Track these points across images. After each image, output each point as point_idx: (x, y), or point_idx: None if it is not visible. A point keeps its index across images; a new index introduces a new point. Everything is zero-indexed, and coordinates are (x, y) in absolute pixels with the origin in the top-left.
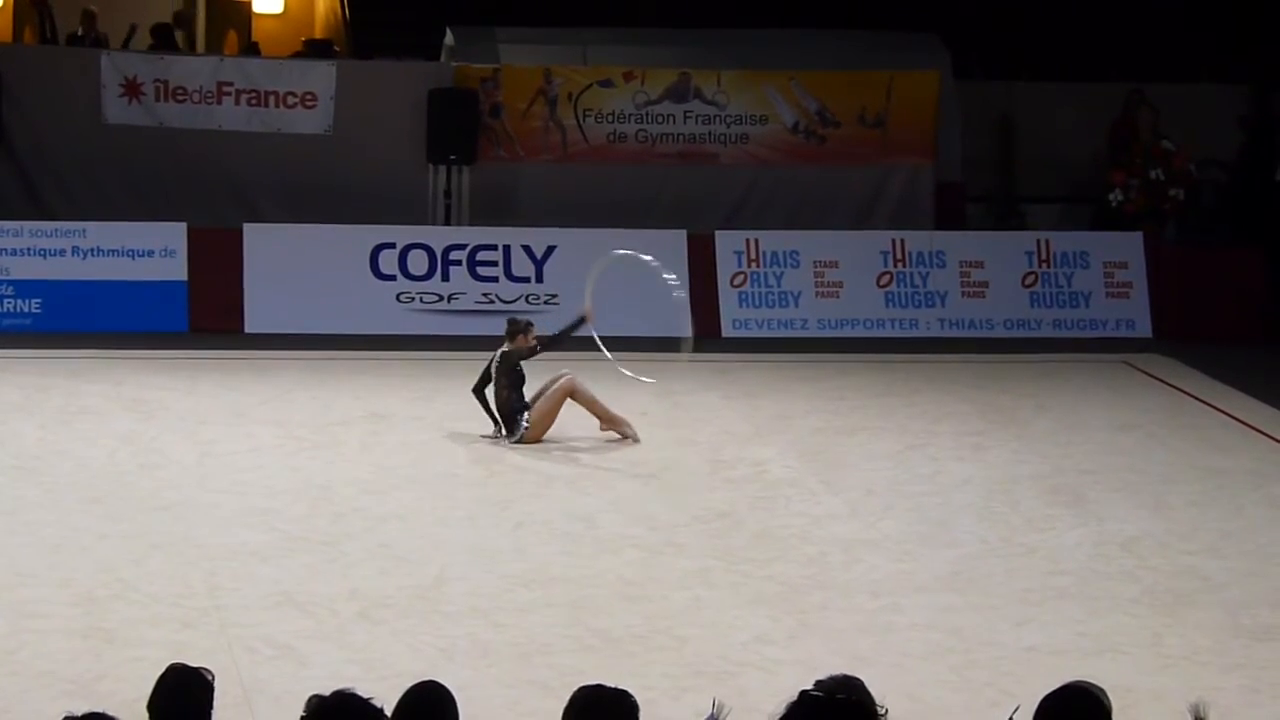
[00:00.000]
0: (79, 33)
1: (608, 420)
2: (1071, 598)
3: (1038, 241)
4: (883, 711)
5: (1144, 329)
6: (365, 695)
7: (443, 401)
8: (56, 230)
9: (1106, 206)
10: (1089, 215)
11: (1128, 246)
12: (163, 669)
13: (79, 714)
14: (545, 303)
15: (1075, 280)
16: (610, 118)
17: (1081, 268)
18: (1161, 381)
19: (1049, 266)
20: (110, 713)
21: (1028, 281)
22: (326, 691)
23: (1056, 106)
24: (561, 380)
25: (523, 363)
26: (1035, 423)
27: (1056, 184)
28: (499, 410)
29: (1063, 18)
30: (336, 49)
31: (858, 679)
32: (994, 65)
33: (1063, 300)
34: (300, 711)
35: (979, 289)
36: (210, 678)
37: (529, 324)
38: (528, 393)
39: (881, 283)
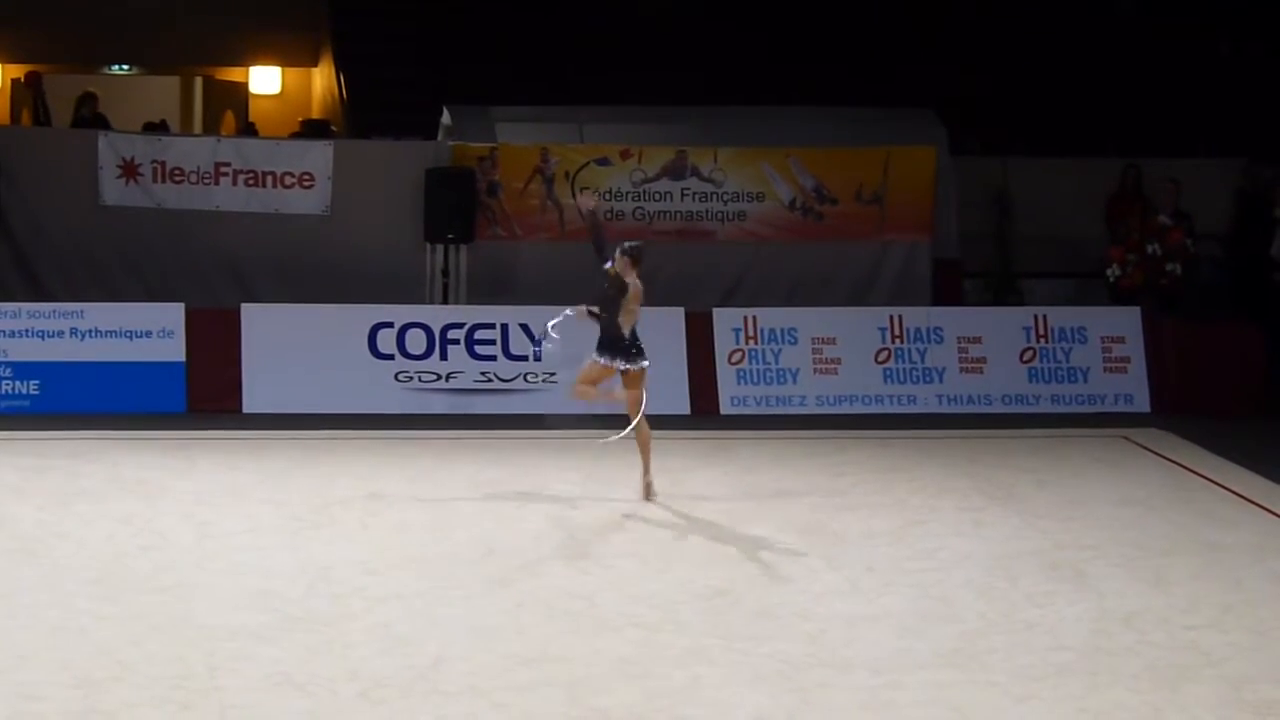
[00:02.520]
0: (83, 113)
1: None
2: (1073, 673)
3: (1035, 317)
4: None
5: (1143, 404)
6: None
7: (441, 480)
8: (54, 311)
9: (1104, 282)
10: (1086, 290)
11: (1126, 321)
12: None
13: None
14: (544, 381)
15: (1073, 355)
16: (607, 195)
17: (1079, 343)
18: (1161, 456)
19: (1047, 341)
20: None
21: (1026, 357)
22: None
23: (1053, 181)
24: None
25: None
26: (1035, 498)
27: (1054, 259)
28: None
29: (1058, 93)
30: (334, 129)
31: None
32: (990, 141)
33: (1061, 375)
34: None
35: (977, 364)
36: None
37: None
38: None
39: (880, 359)
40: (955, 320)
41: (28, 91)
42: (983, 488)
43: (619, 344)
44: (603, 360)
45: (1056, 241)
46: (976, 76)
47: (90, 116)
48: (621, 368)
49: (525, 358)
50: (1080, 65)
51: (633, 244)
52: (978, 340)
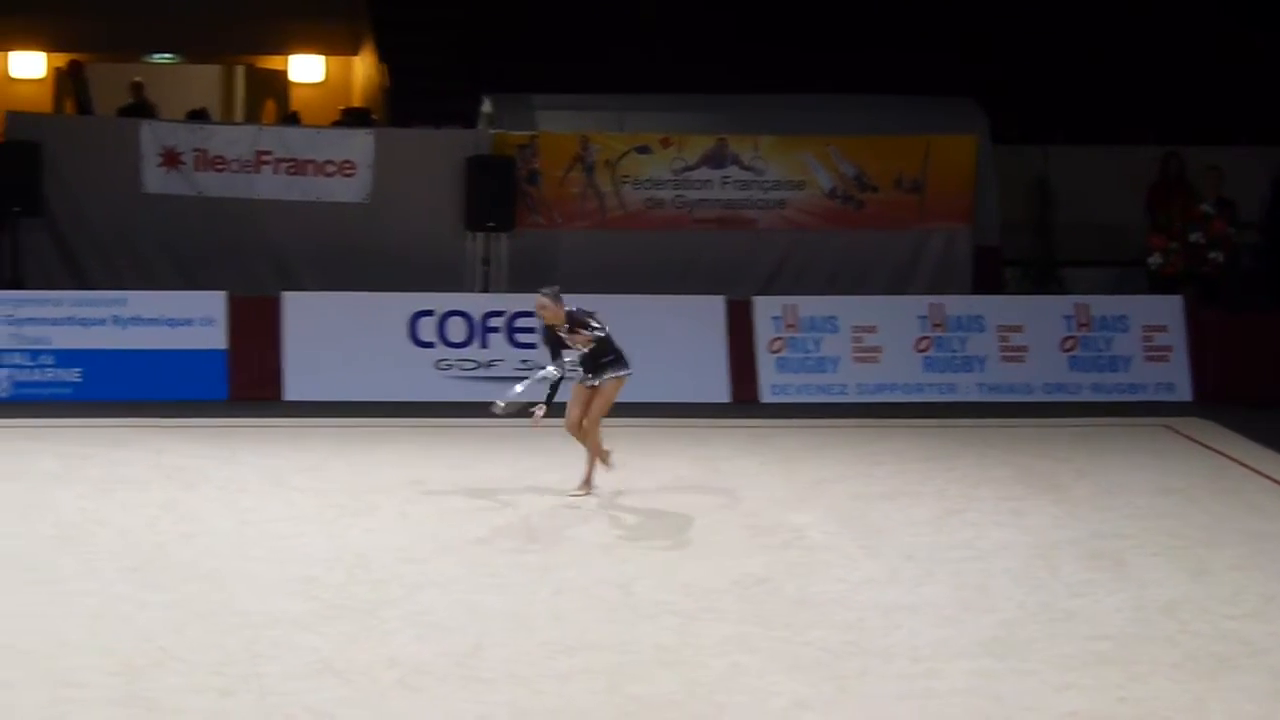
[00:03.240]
0: (131, 102)
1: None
2: (1112, 663)
3: (1076, 305)
4: None
5: (1184, 392)
6: None
7: (481, 468)
8: (96, 300)
9: (1146, 270)
10: (1127, 278)
11: (1167, 310)
12: None
13: None
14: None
15: (1115, 344)
16: (647, 184)
17: (1121, 331)
18: (1202, 445)
19: (1088, 330)
20: None
21: (1067, 345)
22: None
23: (1093, 169)
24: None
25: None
26: (1075, 487)
27: (1094, 247)
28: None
29: (1099, 81)
30: (374, 117)
31: None
32: (1031, 129)
33: (1102, 364)
34: None
35: (1018, 353)
36: None
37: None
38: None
39: (920, 347)
40: (996, 309)
41: (70, 80)
42: (1023, 477)
43: (596, 362)
44: (588, 382)
45: (1097, 229)
46: (1017, 64)
47: (138, 105)
48: (613, 376)
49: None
50: (1121, 52)
51: (547, 289)
52: (1018, 329)
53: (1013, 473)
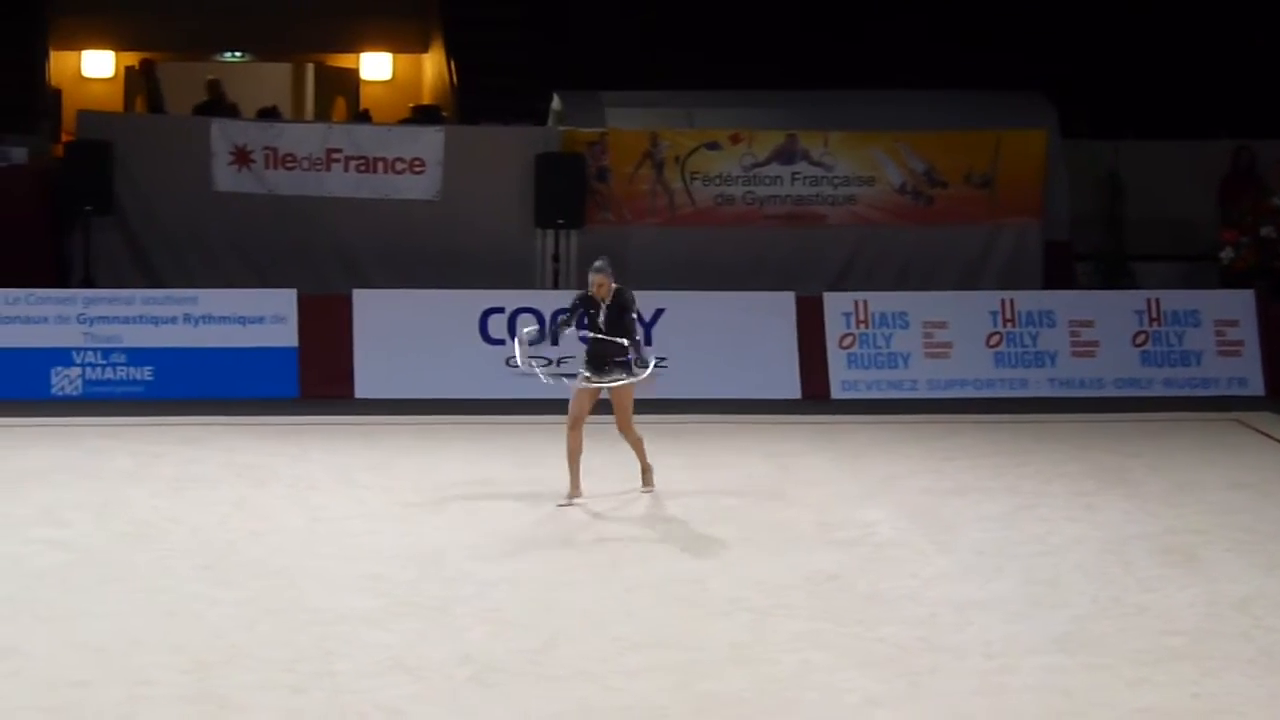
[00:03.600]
0: (207, 99)
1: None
2: (1185, 658)
3: (1148, 300)
4: None
5: (1256, 387)
6: None
7: (552, 465)
8: (168, 298)
9: (1217, 264)
10: (1197, 272)
11: (1239, 304)
12: None
13: None
14: (655, 365)
15: (1186, 339)
16: (717, 180)
17: (1192, 326)
18: (1274, 440)
19: (1159, 325)
20: None
21: (1138, 340)
22: None
23: (1164, 163)
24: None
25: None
26: (1147, 482)
27: (1165, 241)
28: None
29: (1169, 75)
30: (444, 115)
31: None
32: (1101, 123)
33: (1174, 359)
34: None
35: (1089, 348)
36: None
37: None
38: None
39: (991, 343)
40: (1067, 304)
41: (142, 79)
42: (1094, 472)
43: (620, 357)
44: (605, 380)
45: (1168, 224)
46: (1087, 59)
47: (215, 102)
48: (637, 377)
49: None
50: (1191, 46)
51: (603, 261)
52: (1090, 324)
53: (1084, 468)
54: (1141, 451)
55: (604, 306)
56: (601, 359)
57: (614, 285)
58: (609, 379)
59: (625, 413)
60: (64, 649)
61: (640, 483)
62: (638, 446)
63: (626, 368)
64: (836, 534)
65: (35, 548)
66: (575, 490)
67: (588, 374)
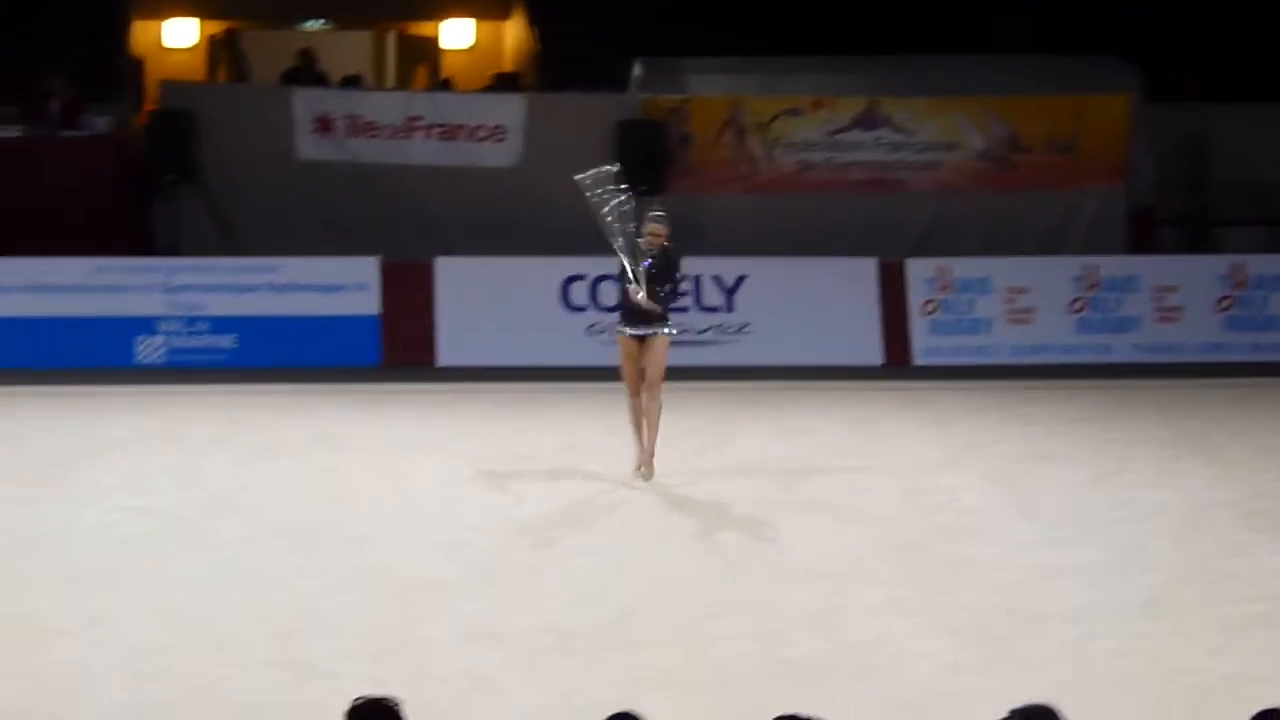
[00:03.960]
0: (298, 68)
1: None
2: (1270, 624)
3: (1232, 265)
4: None
5: None
6: None
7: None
8: (251, 266)
9: None
10: None
11: None
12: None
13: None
14: (737, 332)
15: (1271, 303)
16: (799, 146)
17: (1277, 291)
18: None
19: (1244, 289)
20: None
21: (1222, 305)
22: None
23: (1249, 127)
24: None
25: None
26: (1231, 448)
27: (1250, 206)
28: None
29: (1253, 37)
30: (525, 82)
31: (1051, 708)
32: (1185, 87)
33: (1259, 324)
34: None
35: (1173, 314)
36: (396, 706)
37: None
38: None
39: (1074, 308)
40: (1151, 269)
41: (226, 49)
42: (1178, 438)
43: (655, 311)
44: (644, 332)
45: (1253, 188)
46: (1170, 22)
47: (306, 71)
48: (667, 330)
49: (718, 309)
50: (1276, 7)
51: (661, 210)
52: (1173, 289)
53: (1168, 434)
54: (1225, 417)
55: (652, 258)
56: (642, 311)
57: (667, 241)
58: (649, 330)
59: (659, 368)
60: (149, 616)
61: (635, 466)
62: (653, 420)
63: (664, 321)
64: (919, 500)
65: (121, 516)
66: (641, 459)
67: (626, 327)
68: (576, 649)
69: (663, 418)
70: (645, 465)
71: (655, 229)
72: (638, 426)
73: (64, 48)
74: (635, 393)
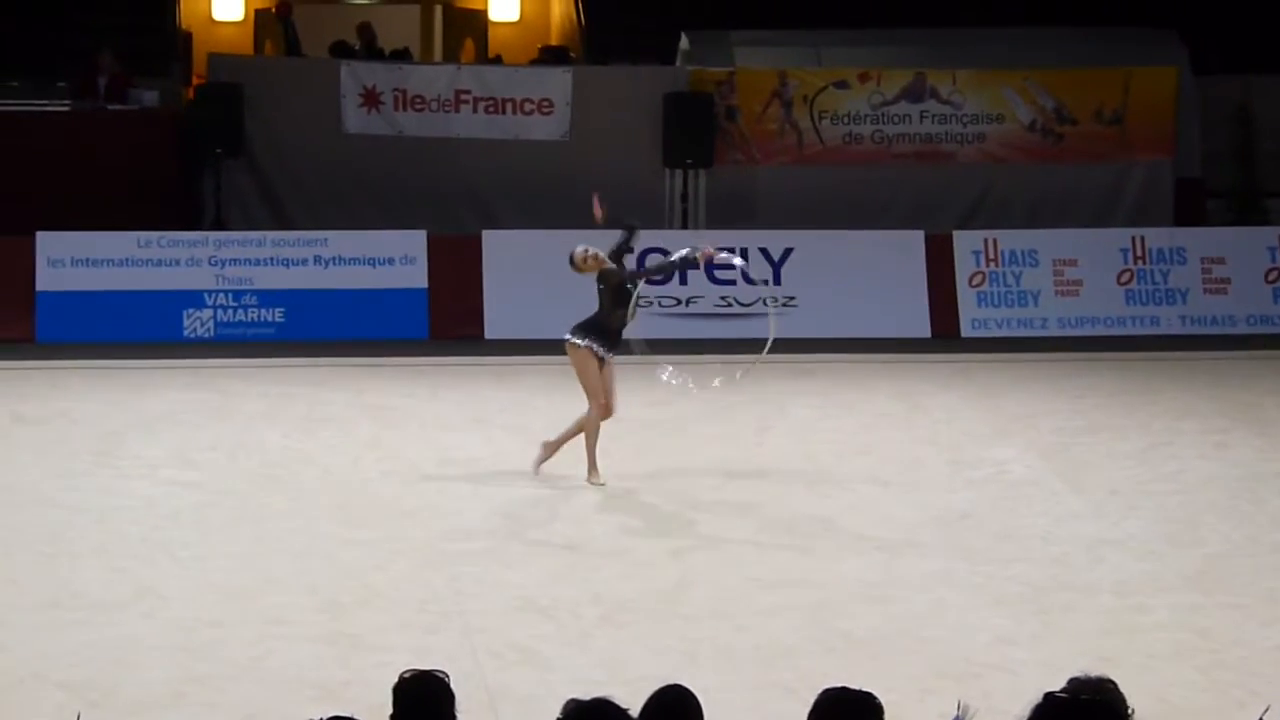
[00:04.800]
0: (355, 45)
1: (555, 446)
2: None
3: None
4: (1130, 712)
5: None
6: (621, 705)
7: (681, 405)
8: (298, 240)
9: None
10: None
11: None
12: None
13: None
14: (784, 305)
15: None
16: (846, 119)
17: None
18: None
19: None
20: (357, 717)
21: (1270, 277)
22: (569, 695)
23: None
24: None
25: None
26: None
27: None
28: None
29: None
30: (572, 55)
31: (1110, 680)
32: (1232, 59)
33: None
34: (552, 715)
35: (1221, 285)
36: (445, 679)
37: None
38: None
39: (1122, 280)
40: (1198, 240)
41: (279, 23)
42: (1226, 409)
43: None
44: (612, 354)
45: None
46: None
47: (365, 46)
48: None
49: (765, 282)
50: None
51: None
52: (1221, 261)
53: (1217, 406)
54: (1274, 389)
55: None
56: (618, 334)
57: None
58: (614, 353)
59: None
60: (198, 590)
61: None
62: (586, 431)
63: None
64: (968, 473)
65: (169, 489)
66: (545, 458)
67: (600, 347)
68: (625, 621)
69: (710, 392)
70: (592, 476)
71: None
72: (593, 441)
73: (113, 22)
74: (603, 405)
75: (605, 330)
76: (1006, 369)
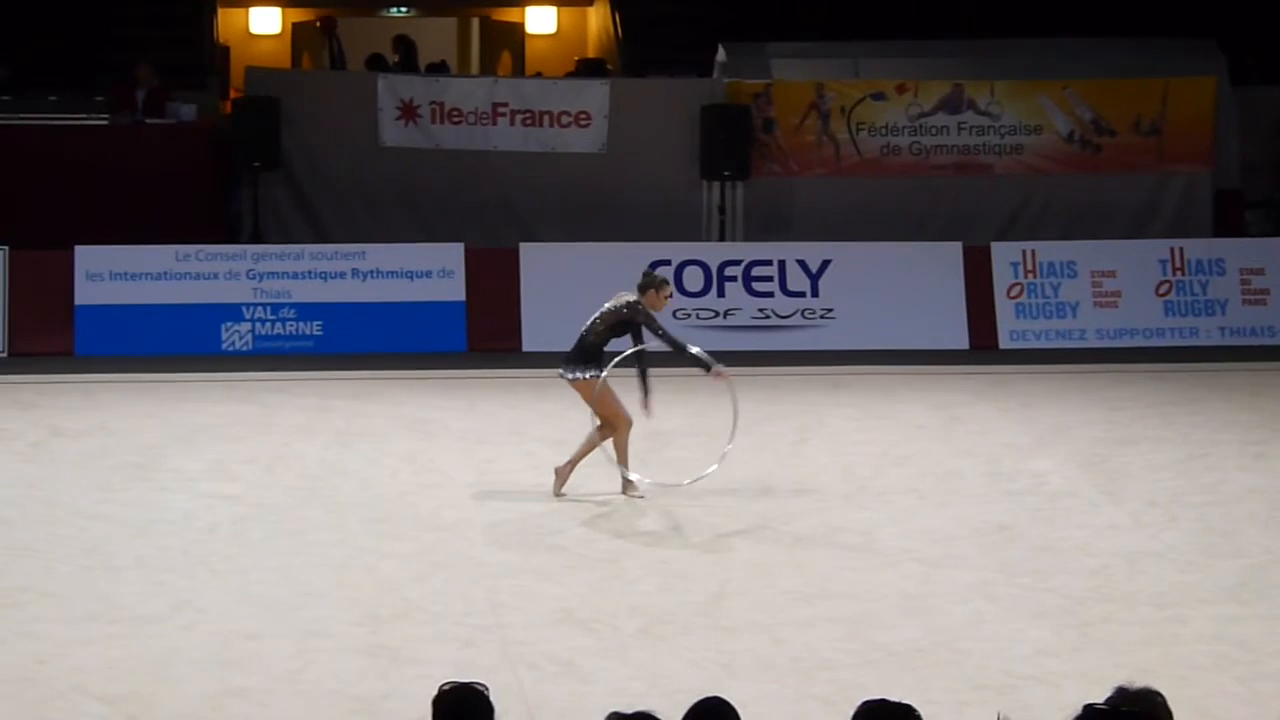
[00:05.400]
0: (395, 60)
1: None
2: None
3: None
4: None
5: None
6: (661, 718)
7: (719, 417)
8: (336, 253)
9: None
10: None
11: None
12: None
13: None
14: (821, 317)
15: None
16: (883, 130)
17: None
18: None
19: None
20: None
21: None
22: (608, 708)
23: None
24: (616, 413)
25: (641, 329)
26: None
27: None
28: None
29: None
30: (609, 68)
31: (1157, 693)
32: (1272, 69)
33: None
34: None
35: (1260, 296)
36: (484, 692)
37: (664, 282)
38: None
39: (1160, 291)
40: (1237, 251)
41: (323, 36)
42: (1267, 420)
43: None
44: (603, 371)
45: None
46: (1258, 4)
47: (403, 59)
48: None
49: (803, 294)
50: None
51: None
52: (1260, 271)
53: (1256, 417)
54: None
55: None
56: (599, 350)
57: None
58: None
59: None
60: (237, 602)
61: (558, 485)
62: (589, 451)
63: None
64: (1006, 484)
65: (208, 502)
66: (563, 481)
67: (595, 372)
68: (664, 634)
69: (746, 402)
70: (630, 487)
71: (669, 292)
72: (623, 456)
73: (150, 36)
74: (629, 425)
75: (590, 352)
76: (1045, 380)
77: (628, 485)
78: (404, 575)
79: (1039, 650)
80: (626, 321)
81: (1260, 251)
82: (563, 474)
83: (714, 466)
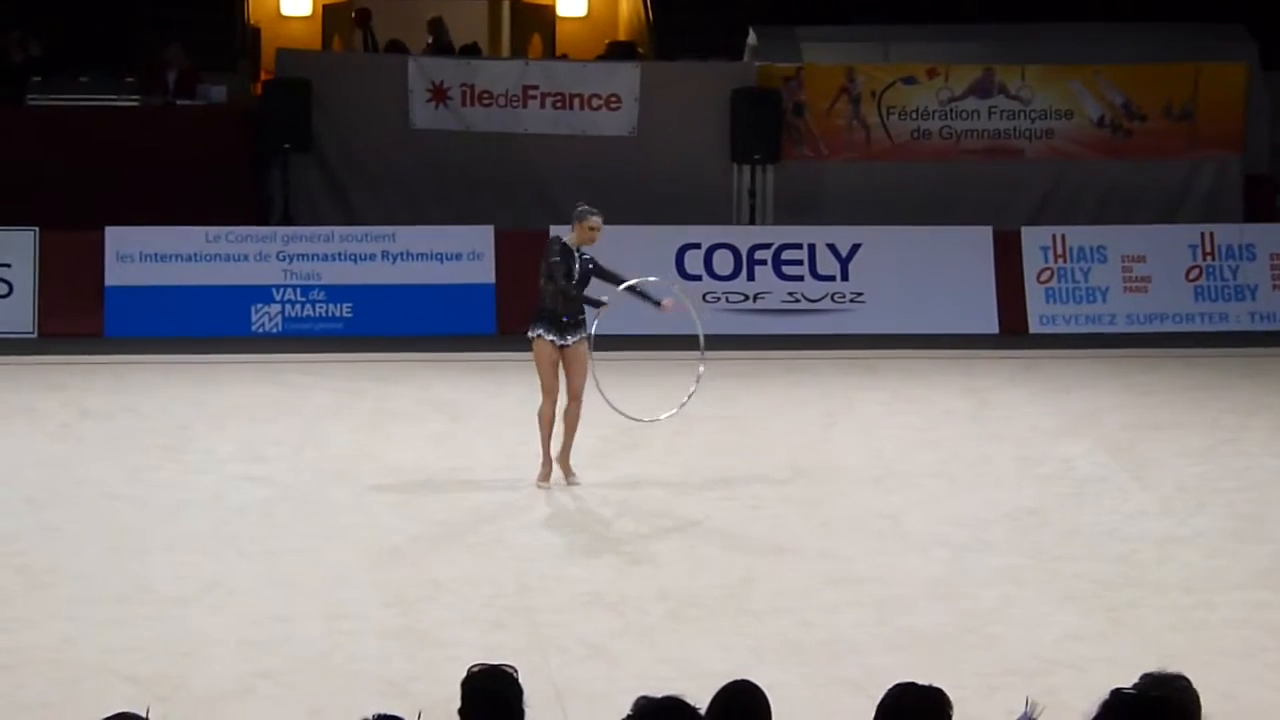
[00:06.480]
0: (429, 41)
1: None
2: None
3: None
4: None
5: None
6: (690, 703)
7: (748, 401)
8: (366, 235)
9: None
10: None
11: None
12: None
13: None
14: (851, 301)
15: None
16: (914, 115)
17: None
18: None
19: None
20: (425, 713)
21: None
22: (640, 692)
23: None
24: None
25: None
26: None
27: None
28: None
29: None
30: (640, 51)
31: (1184, 677)
32: None
33: None
34: (622, 712)
35: None
36: (513, 674)
37: (586, 213)
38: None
39: (1190, 276)
40: (1268, 237)
41: (357, 29)
42: None
43: (581, 315)
44: (568, 340)
45: None
46: None
47: (436, 40)
48: (588, 334)
49: (832, 278)
50: None
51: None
52: None
53: None
54: None
55: (580, 257)
56: (568, 316)
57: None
58: (573, 337)
59: (584, 378)
60: (265, 584)
61: (540, 477)
62: (573, 428)
63: (583, 326)
64: (1035, 469)
65: (236, 484)
66: (546, 470)
67: (547, 332)
68: (692, 617)
69: (776, 385)
70: (550, 476)
71: (596, 223)
72: (549, 434)
73: (181, 17)
74: (555, 399)
75: (540, 310)
76: (1074, 365)
77: (545, 472)
78: (433, 557)
79: (1067, 635)
80: (549, 264)
81: None
82: (563, 463)
83: (693, 388)
